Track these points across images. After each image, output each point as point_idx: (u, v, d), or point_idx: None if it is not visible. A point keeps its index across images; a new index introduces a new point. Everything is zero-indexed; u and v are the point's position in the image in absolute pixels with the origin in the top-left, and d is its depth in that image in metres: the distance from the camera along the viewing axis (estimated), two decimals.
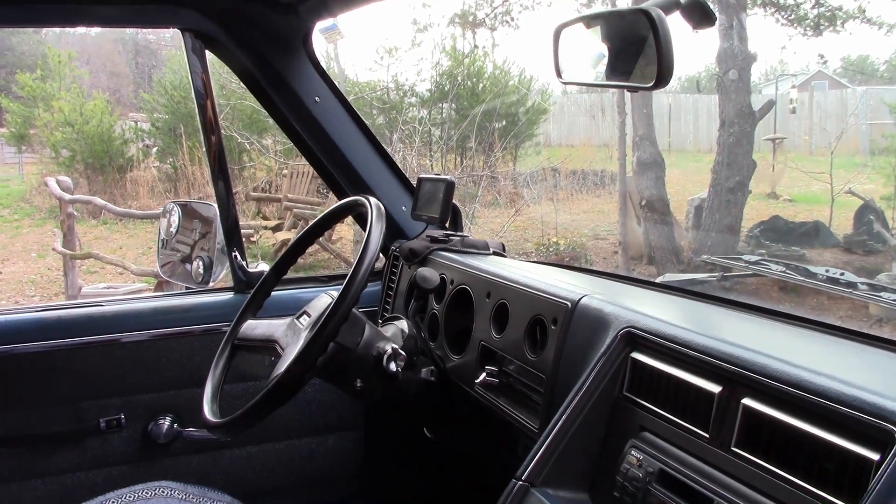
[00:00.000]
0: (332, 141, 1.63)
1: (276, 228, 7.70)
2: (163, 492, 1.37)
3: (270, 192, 9.44)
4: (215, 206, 1.66)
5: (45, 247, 7.89)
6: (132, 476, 1.46)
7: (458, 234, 1.50)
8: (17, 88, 13.30)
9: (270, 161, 10.23)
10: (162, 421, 1.58)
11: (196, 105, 1.57)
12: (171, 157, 11.81)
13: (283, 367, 1.11)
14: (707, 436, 0.76)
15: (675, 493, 0.75)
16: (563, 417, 0.88)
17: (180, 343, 1.58)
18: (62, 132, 11.86)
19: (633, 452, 0.82)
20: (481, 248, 1.47)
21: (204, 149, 1.69)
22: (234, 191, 1.75)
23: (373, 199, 1.19)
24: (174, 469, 1.53)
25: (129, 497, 1.34)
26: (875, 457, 0.58)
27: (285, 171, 9.14)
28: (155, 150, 12.38)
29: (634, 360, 0.87)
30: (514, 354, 1.12)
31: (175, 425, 1.59)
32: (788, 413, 0.68)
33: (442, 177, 1.47)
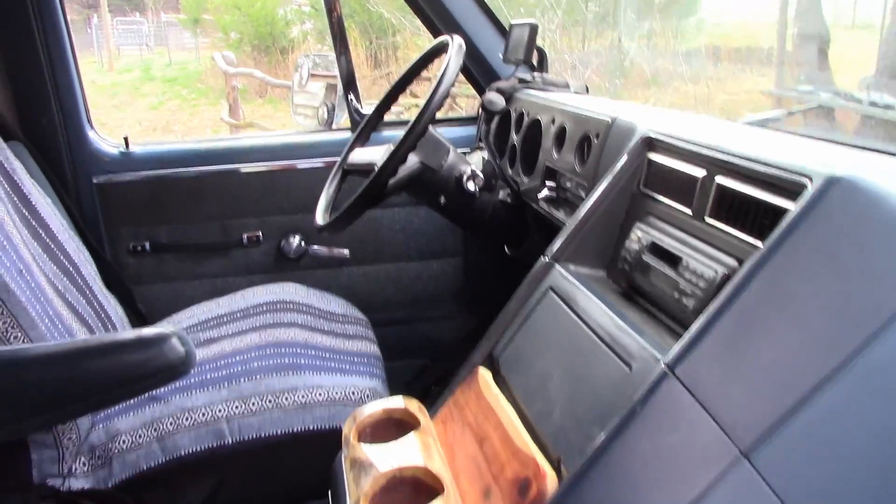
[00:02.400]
0: (445, 7, 1.78)
1: None
2: (292, 289, 1.68)
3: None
4: (333, 57, 1.89)
5: (218, 123, 8.62)
6: (268, 282, 1.77)
7: (542, 73, 1.63)
8: None
9: (423, 41, 10.39)
10: (292, 238, 1.88)
11: None
12: (328, 37, 12.25)
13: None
14: (689, 211, 0.90)
15: (659, 257, 0.91)
16: (588, 206, 1.04)
17: (308, 173, 1.85)
18: (231, 15, 12.56)
19: (636, 232, 0.98)
20: (561, 86, 1.60)
21: (328, 19, 1.89)
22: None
23: (456, 37, 1.36)
24: (302, 280, 1.83)
25: (266, 290, 1.65)
26: (792, 206, 0.72)
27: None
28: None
29: (650, 159, 1.02)
30: (568, 169, 1.28)
31: (303, 243, 1.88)
32: (747, 184, 0.81)
33: (527, 21, 1.60)
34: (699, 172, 0.90)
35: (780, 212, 0.74)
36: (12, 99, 1.65)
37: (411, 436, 0.93)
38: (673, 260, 0.89)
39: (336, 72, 1.90)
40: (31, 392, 1.13)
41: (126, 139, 1.80)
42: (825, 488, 0.65)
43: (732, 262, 0.79)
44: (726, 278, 0.78)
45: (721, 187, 0.85)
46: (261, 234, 1.86)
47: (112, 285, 1.60)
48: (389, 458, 0.89)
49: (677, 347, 0.73)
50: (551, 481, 0.78)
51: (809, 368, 0.65)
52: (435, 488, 0.83)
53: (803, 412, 0.65)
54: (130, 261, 1.81)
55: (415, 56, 1.54)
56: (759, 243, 0.75)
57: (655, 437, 0.72)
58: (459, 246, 1.95)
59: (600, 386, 0.81)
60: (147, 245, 1.82)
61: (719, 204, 0.85)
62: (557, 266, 1.04)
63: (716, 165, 0.87)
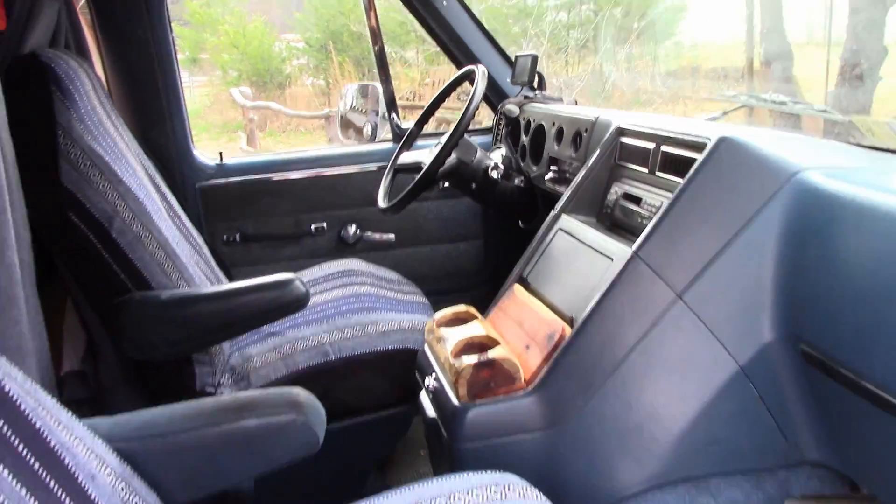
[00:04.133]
0: (459, 37, 2.31)
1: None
2: (355, 263, 2.18)
3: (414, 101, 10.28)
4: (379, 85, 2.42)
5: (237, 152, 9.17)
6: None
7: (541, 91, 2.17)
8: (186, 16, 14.55)
9: (414, 72, 11.01)
10: (350, 228, 2.39)
11: (364, 14, 2.31)
12: (323, 72, 12.83)
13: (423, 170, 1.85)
14: (646, 170, 1.42)
15: (628, 201, 1.43)
16: (581, 175, 1.56)
17: (360, 176, 2.37)
18: (229, 54, 13.14)
19: (614, 188, 1.50)
20: (557, 100, 2.14)
21: (373, 51, 2.41)
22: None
23: (480, 67, 1.88)
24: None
25: (336, 263, 2.15)
26: (699, 156, 1.23)
27: (427, 80, 9.90)
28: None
29: (623, 142, 1.54)
30: (566, 156, 1.80)
31: (358, 231, 2.40)
32: (681, 149, 1.33)
33: (529, 53, 2.14)
34: (651, 146, 1.42)
35: (693, 161, 1.26)
36: (140, 129, 2.16)
37: (474, 322, 1.44)
38: (637, 200, 1.40)
39: (377, 96, 2.43)
40: (199, 320, 1.64)
41: (221, 154, 2.32)
42: (734, 313, 1.15)
43: (670, 194, 1.31)
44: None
45: (664, 152, 1.37)
46: (325, 224, 2.38)
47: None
48: (460, 333, 1.39)
49: (639, 241, 1.24)
50: (567, 330, 1.29)
51: (712, 243, 1.17)
52: (494, 345, 1.34)
53: (710, 269, 1.16)
54: (225, 249, 2.32)
55: (440, 85, 2.06)
56: (681, 180, 1.28)
57: (626, 294, 1.23)
58: (480, 230, 2.47)
59: (594, 273, 1.32)
60: (237, 237, 2.33)
61: (663, 162, 1.38)
62: (564, 215, 1.56)
63: (660, 140, 1.40)
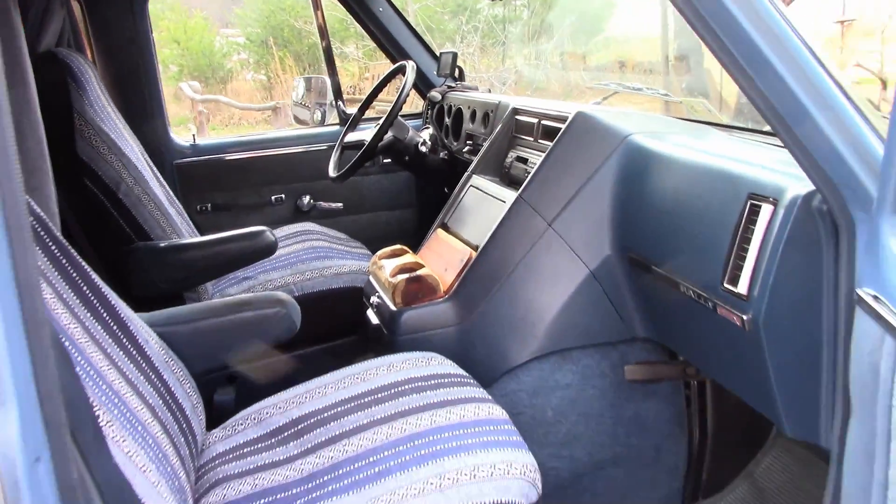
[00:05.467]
0: (392, 36, 2.78)
1: None
2: (310, 226, 2.62)
3: (353, 95, 10.68)
4: (327, 77, 2.86)
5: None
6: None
7: (461, 82, 2.65)
8: None
9: (353, 66, 11.38)
10: (305, 198, 2.83)
11: (312, 12, 2.75)
12: (264, 66, 13.08)
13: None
14: (532, 139, 1.91)
15: (520, 162, 1.92)
16: (487, 145, 2.05)
17: (312, 154, 2.82)
18: (170, 49, 13.26)
19: (510, 153, 1.99)
20: (473, 89, 2.62)
21: (320, 46, 2.85)
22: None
23: (410, 62, 2.35)
24: None
25: (293, 227, 2.59)
26: (563, 126, 1.73)
27: (367, 75, 10.31)
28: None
29: (517, 119, 2.03)
30: (479, 132, 2.29)
31: (312, 200, 2.84)
32: (553, 121, 1.82)
33: (450, 50, 2.62)
34: (535, 121, 1.91)
35: (559, 130, 1.75)
36: (127, 114, 2.56)
37: (406, 254, 1.91)
38: (525, 161, 1.90)
39: (325, 86, 2.87)
40: (189, 263, 2.07)
41: (194, 136, 2.73)
42: (587, 235, 1.65)
43: (545, 154, 1.80)
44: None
45: (543, 125, 1.87)
46: (283, 196, 2.82)
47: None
48: (395, 262, 1.86)
49: (522, 187, 1.73)
50: (473, 255, 1.77)
51: (571, 187, 1.66)
52: (420, 268, 1.81)
53: (570, 205, 1.66)
54: (198, 218, 2.73)
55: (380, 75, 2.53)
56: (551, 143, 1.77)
57: (513, 225, 1.71)
58: (414, 199, 2.94)
59: (493, 214, 1.80)
60: (209, 207, 2.75)
61: (543, 132, 1.87)
62: (474, 175, 2.04)
63: (541, 116, 1.89)
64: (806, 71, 0.97)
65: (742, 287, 1.21)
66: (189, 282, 2.08)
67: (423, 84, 2.83)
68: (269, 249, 2.10)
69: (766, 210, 1.19)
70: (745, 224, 1.23)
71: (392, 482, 1.17)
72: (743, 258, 1.22)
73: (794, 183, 1.16)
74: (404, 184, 2.90)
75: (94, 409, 0.96)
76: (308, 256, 2.31)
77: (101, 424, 0.96)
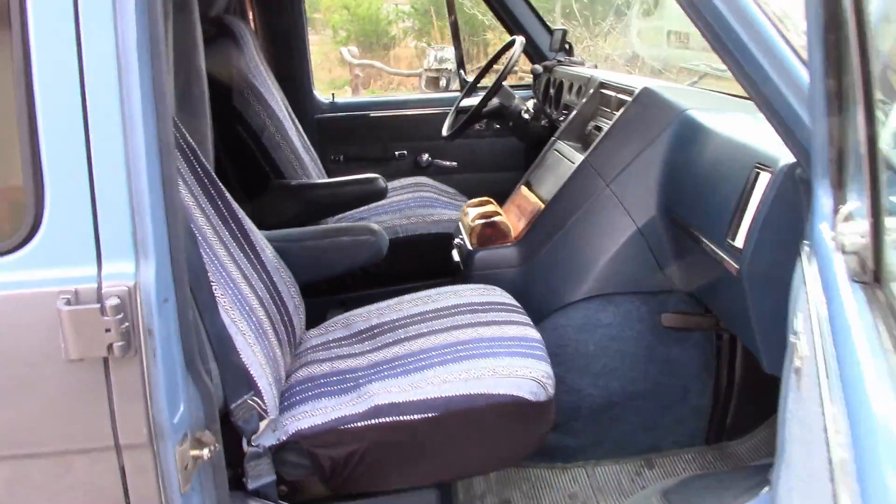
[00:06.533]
0: (510, 12, 3.05)
1: None
2: (424, 180, 2.97)
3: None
4: (452, 49, 3.19)
5: None
6: None
7: (569, 57, 2.89)
8: None
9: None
10: (424, 156, 3.19)
11: None
12: (426, 35, 13.59)
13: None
14: (609, 110, 2.14)
15: (596, 130, 2.16)
16: (574, 113, 2.29)
17: (434, 117, 3.16)
18: (339, 15, 14.05)
19: (591, 122, 2.23)
20: (579, 63, 2.85)
21: (448, 21, 3.17)
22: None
23: (519, 38, 2.62)
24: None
25: (409, 179, 2.95)
26: (629, 98, 1.95)
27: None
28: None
29: (601, 92, 2.26)
30: (573, 104, 2.53)
31: (430, 158, 3.19)
32: (624, 94, 2.05)
33: (562, 27, 2.86)
34: (613, 94, 2.14)
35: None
36: (277, 72, 3.00)
37: (489, 205, 2.21)
38: (600, 129, 2.13)
39: (450, 57, 3.20)
40: (315, 200, 2.46)
41: (333, 94, 3.15)
42: (638, 196, 1.88)
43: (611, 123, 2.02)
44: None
45: (618, 98, 2.09)
46: (406, 152, 3.18)
47: None
48: (478, 210, 2.16)
49: (587, 151, 1.97)
50: (541, 207, 2.04)
51: (629, 153, 1.89)
52: (497, 216, 2.10)
53: (627, 169, 1.89)
54: (331, 166, 3.15)
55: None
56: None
57: (576, 184, 1.97)
58: (521, 162, 3.21)
59: (564, 174, 2.06)
60: (342, 157, 3.16)
61: (617, 104, 2.09)
62: (558, 141, 2.30)
63: (616, 90, 2.11)
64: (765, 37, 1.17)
65: (739, 241, 1.42)
66: (312, 217, 2.48)
67: (537, 57, 3.08)
68: (380, 194, 2.47)
69: (764, 177, 1.39)
70: (749, 189, 1.43)
71: (430, 373, 1.49)
72: (742, 217, 1.43)
73: (789, 155, 1.36)
74: (513, 148, 3.18)
75: (211, 280, 1.34)
76: (415, 204, 2.66)
77: (214, 292, 1.34)
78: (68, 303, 0.98)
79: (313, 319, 1.85)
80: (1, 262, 1.00)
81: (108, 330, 0.98)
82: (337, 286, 2.45)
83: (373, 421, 1.39)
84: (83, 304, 0.98)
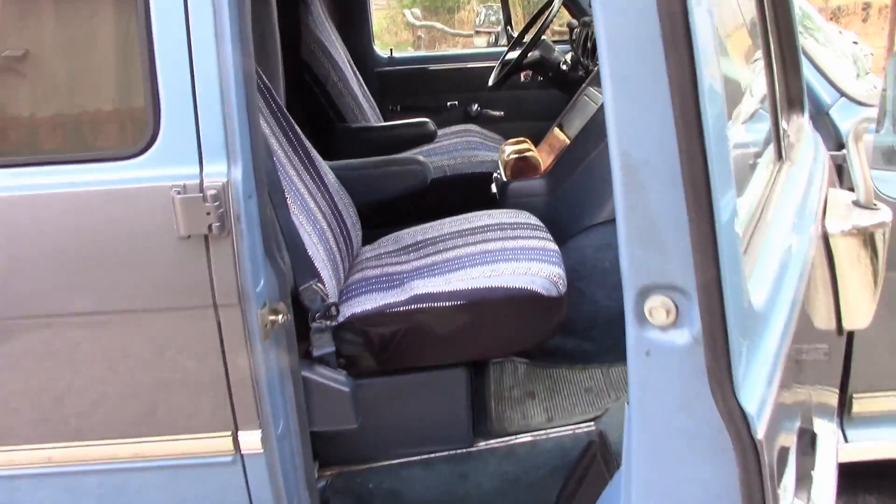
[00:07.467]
0: None
1: None
2: (474, 127, 3.27)
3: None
4: (500, 7, 3.45)
5: None
6: None
7: None
8: None
9: None
10: (473, 106, 3.48)
11: None
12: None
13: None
14: None
15: None
16: None
17: (483, 70, 3.42)
18: None
19: None
20: None
21: None
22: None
23: None
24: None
25: (459, 127, 3.25)
26: None
27: None
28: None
29: None
30: None
31: (479, 108, 3.48)
32: None
33: None
34: None
35: None
36: (340, 30, 3.32)
37: (525, 143, 2.49)
38: None
39: (499, 15, 3.46)
40: (372, 142, 2.79)
41: (391, 50, 3.46)
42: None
43: None
44: None
45: None
46: (457, 102, 3.48)
47: None
48: (514, 147, 2.44)
49: None
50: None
51: None
52: (529, 152, 2.38)
53: None
54: (389, 115, 3.47)
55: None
56: None
57: (594, 123, 2.23)
58: (561, 112, 3.47)
59: (592, 112, 2.32)
60: (399, 107, 3.48)
61: None
62: (588, 87, 2.55)
63: None
64: None
65: None
66: (369, 156, 2.80)
67: (578, 12, 3.31)
68: (429, 136, 2.77)
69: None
70: None
71: (461, 272, 1.80)
72: None
73: None
74: (555, 99, 3.44)
75: (284, 189, 1.67)
76: (462, 147, 2.96)
77: (286, 198, 1.67)
78: (179, 193, 1.31)
79: None
80: (128, 164, 1.34)
81: (208, 213, 1.31)
82: (390, 220, 2.77)
83: (413, 306, 1.71)
84: (190, 193, 1.31)
